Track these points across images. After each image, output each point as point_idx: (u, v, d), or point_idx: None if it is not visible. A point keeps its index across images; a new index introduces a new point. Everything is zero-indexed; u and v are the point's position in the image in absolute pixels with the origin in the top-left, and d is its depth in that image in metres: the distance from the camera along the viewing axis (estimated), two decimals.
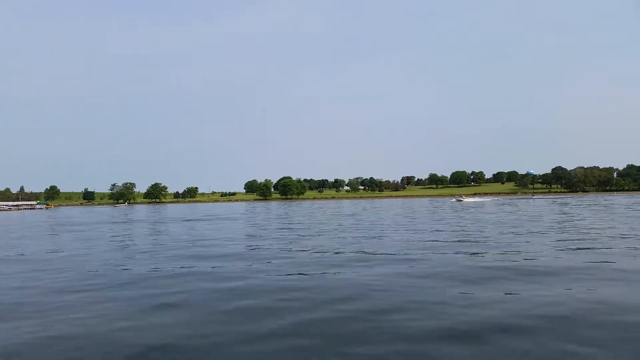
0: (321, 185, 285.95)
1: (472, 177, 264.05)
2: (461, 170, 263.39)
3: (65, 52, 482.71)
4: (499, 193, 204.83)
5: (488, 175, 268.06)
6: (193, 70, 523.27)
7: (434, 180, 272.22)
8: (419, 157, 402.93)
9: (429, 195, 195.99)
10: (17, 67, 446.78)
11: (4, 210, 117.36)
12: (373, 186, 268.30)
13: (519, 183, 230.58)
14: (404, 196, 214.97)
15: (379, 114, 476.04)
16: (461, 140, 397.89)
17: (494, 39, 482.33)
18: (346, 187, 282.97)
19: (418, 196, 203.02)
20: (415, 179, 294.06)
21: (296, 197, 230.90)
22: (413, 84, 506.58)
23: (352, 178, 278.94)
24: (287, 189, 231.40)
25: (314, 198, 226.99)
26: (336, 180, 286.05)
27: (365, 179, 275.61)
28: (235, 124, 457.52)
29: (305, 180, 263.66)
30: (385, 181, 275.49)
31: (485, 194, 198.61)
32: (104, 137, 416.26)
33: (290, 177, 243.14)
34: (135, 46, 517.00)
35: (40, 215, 78.60)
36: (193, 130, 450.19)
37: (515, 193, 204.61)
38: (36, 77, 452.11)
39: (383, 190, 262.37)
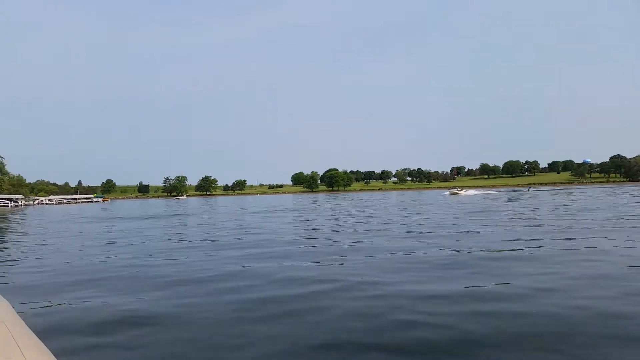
0: (368, 176, 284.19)
1: (525, 166, 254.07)
2: (514, 159, 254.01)
3: (106, 48, 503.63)
4: (554, 183, 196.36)
5: (543, 164, 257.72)
6: (233, 63, 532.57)
7: (485, 171, 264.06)
8: (470, 146, 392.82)
9: (479, 186, 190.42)
10: (68, 68, 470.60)
11: (63, 203, 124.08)
12: (421, 177, 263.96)
13: (575, 172, 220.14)
14: (453, 187, 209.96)
15: (425, 102, 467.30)
16: (514, 128, 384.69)
17: (541, 19, 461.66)
18: (393, 179, 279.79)
19: (468, 187, 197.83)
20: (466, 170, 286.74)
21: (343, 189, 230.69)
22: (461, 70, 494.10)
23: (399, 169, 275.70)
24: (334, 180, 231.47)
25: (360, 190, 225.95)
26: (383, 172, 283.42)
27: (413, 170, 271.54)
28: (280, 116, 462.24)
29: (351, 171, 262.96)
30: (434, 172, 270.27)
31: (540, 184, 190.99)
32: (155, 132, 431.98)
33: (336, 169, 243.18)
34: (173, 40, 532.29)
35: (106, 207, 79.61)
36: (240, 123, 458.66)
37: (571, 183, 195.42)
38: (88, 77, 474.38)
39: (432, 182, 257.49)
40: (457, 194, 71.16)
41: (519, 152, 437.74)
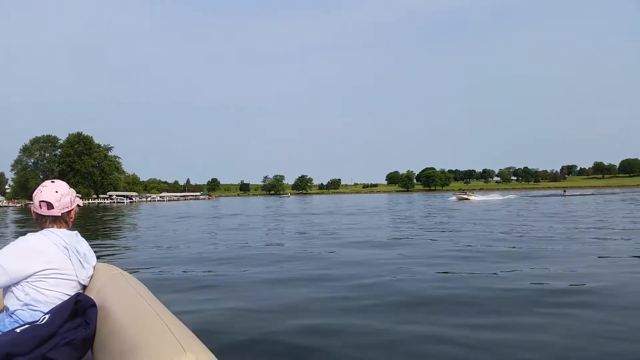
0: (467, 176, 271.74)
1: None
2: (632, 157, 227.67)
3: (217, 56, 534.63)
4: None
5: None
6: (326, 63, 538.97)
7: (600, 170, 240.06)
8: (582, 143, 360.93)
9: (593, 187, 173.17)
10: (179, 74, 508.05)
11: (173, 200, 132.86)
12: (527, 176, 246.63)
13: None
14: (564, 187, 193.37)
15: (531, 94, 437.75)
16: (633, 122, 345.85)
17: None
18: (496, 178, 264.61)
19: (579, 187, 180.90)
20: (578, 168, 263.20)
21: (440, 188, 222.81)
22: (571, 59, 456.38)
23: (502, 168, 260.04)
24: (430, 180, 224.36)
25: (459, 189, 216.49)
26: (484, 171, 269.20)
27: (519, 168, 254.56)
28: (374, 114, 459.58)
29: (449, 171, 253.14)
30: (542, 171, 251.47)
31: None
32: (255, 132, 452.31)
33: (433, 168, 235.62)
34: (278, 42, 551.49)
35: (216, 204, 76.12)
36: (334, 122, 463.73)
37: None
38: (195, 83, 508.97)
39: (539, 181, 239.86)
40: (466, 199, 54.79)
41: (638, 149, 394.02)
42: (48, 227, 2.10)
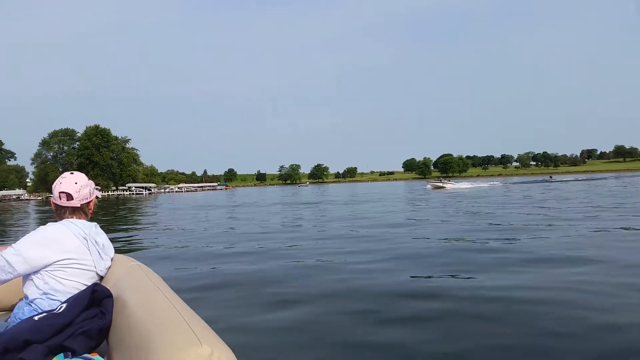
0: (486, 161, 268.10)
1: None
2: None
3: (234, 48, 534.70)
4: None
5: None
6: (337, 53, 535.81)
7: (621, 153, 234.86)
8: (603, 126, 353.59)
9: (614, 170, 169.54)
10: (191, 68, 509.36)
11: (190, 191, 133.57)
12: (547, 161, 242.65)
13: None
14: (584, 172, 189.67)
15: (550, 78, 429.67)
16: None
17: None
18: (515, 163, 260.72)
19: (600, 171, 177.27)
20: (598, 152, 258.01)
21: (458, 175, 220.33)
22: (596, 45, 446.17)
23: (521, 153, 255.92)
24: (448, 166, 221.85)
25: (477, 176, 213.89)
26: (503, 156, 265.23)
27: (538, 153, 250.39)
28: (390, 103, 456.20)
29: (467, 157, 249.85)
30: (562, 155, 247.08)
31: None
32: (269, 122, 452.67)
33: (450, 154, 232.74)
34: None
35: (233, 194, 73.59)
36: (350, 110, 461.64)
37: None
38: (207, 75, 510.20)
39: (559, 166, 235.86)
40: (442, 187, 52.31)
41: None
42: (67, 218, 2.14)
